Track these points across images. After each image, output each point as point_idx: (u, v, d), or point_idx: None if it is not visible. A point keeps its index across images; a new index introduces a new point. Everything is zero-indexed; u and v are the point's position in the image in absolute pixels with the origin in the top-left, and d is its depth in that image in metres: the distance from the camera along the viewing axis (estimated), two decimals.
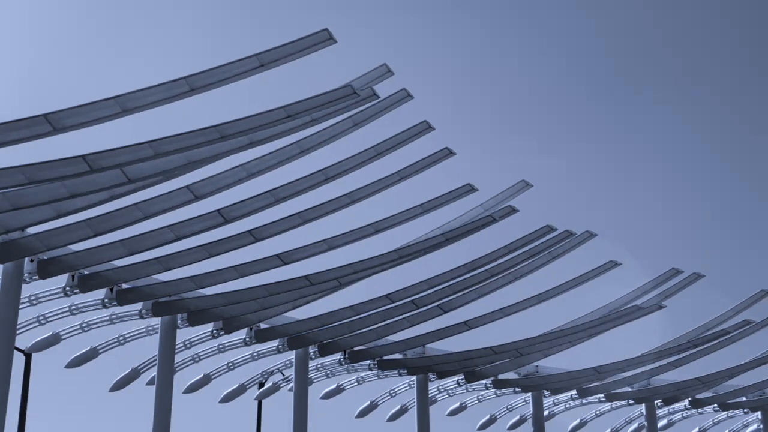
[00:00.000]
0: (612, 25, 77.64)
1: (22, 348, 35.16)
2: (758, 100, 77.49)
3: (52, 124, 22.88)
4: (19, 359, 33.75)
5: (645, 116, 77.90)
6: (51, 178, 23.88)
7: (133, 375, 37.38)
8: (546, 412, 42.50)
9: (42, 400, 38.38)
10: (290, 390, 36.76)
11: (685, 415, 43.99)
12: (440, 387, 40.88)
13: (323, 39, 20.83)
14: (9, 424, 29.04)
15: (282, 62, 20.94)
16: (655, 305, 35.97)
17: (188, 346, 36.18)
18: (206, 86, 21.13)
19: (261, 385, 39.53)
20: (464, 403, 42.39)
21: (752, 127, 76.34)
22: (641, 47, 78.36)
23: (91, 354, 36.13)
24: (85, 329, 34.56)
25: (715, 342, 37.03)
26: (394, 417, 41.23)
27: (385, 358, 37.51)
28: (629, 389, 41.31)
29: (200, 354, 37.23)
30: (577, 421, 44.61)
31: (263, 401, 39.93)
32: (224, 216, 28.03)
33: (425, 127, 28.30)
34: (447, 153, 30.00)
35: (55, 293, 31.94)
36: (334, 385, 40.24)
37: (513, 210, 31.01)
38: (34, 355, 35.53)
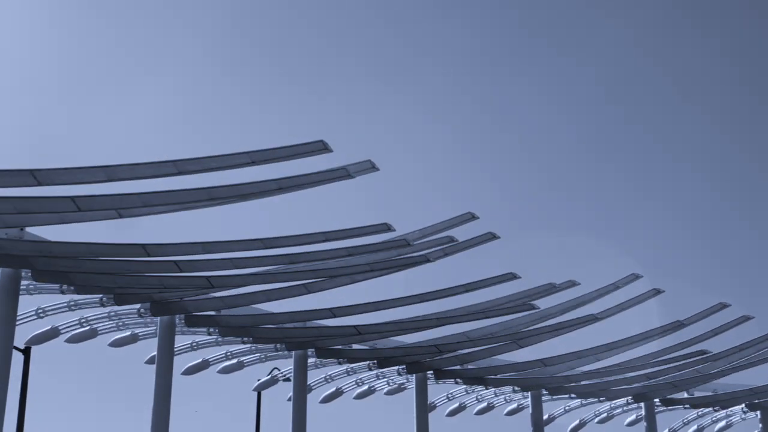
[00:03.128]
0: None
1: (22, 341, 35.18)
2: (758, 100, 76.12)
3: (37, 178, 22.68)
4: (17, 355, 33.79)
5: (644, 114, 76.76)
6: None
7: (132, 338, 37.27)
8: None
9: (40, 398, 38.60)
10: (289, 400, 36.72)
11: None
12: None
13: (318, 149, 20.05)
14: (8, 422, 29.18)
15: (273, 162, 20.20)
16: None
17: (185, 332, 36.04)
18: (193, 172, 20.50)
19: (259, 394, 39.62)
20: (463, 403, 42.61)
21: (752, 127, 75.36)
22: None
23: (90, 333, 36.05)
24: (84, 325, 34.51)
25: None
26: (392, 392, 41.44)
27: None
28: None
29: (199, 342, 37.32)
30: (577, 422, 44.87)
31: (261, 403, 40.12)
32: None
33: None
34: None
35: (53, 288, 31.71)
36: (334, 389, 40.31)
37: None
38: (34, 351, 35.70)
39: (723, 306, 36.16)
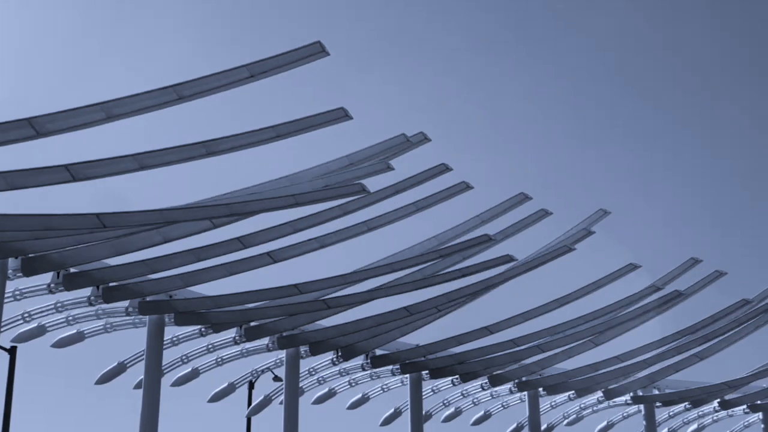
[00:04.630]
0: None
1: (6, 344, 34.49)
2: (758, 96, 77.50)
3: (35, 128, 22.32)
4: (3, 357, 33.22)
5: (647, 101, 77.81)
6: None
7: (120, 369, 36.55)
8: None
9: (29, 399, 37.77)
10: (281, 403, 36.08)
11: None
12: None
13: (315, 51, 20.10)
14: None
15: (272, 73, 20.19)
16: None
17: (176, 342, 35.44)
18: (194, 95, 20.42)
19: (251, 385, 38.84)
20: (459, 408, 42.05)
21: (752, 123, 76.49)
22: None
23: (78, 337, 35.22)
24: (71, 323, 33.85)
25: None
26: (387, 421, 40.70)
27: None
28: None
29: (189, 355, 36.67)
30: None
31: (254, 392, 39.40)
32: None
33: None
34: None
35: (40, 289, 31.15)
36: (327, 389, 39.55)
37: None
38: (20, 353, 35.02)
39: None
